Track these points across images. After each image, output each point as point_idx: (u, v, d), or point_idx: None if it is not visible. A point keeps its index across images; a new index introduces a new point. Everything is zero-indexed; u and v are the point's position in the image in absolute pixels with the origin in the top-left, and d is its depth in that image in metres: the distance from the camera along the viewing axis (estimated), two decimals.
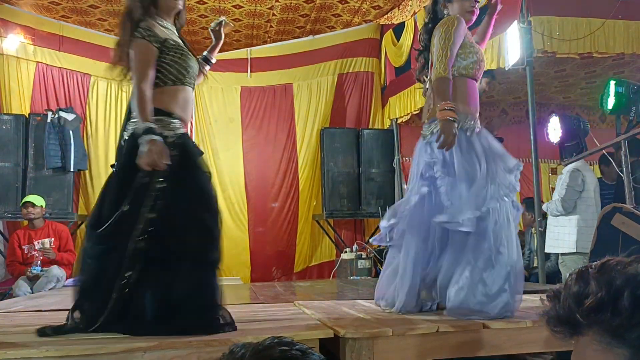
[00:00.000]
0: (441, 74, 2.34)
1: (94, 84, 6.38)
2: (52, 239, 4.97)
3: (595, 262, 0.75)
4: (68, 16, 6.38)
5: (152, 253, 2.04)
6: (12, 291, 4.74)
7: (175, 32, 2.30)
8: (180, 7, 2.29)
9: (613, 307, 0.69)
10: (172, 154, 2.07)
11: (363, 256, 5.79)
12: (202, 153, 2.31)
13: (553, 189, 6.72)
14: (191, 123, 5.84)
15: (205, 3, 6.12)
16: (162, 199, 2.06)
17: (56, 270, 4.75)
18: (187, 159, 2.15)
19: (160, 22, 2.23)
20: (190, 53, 2.27)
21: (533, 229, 5.04)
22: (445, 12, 2.51)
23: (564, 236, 3.98)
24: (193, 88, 2.30)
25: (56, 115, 5.73)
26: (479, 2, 2.52)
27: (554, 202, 4.12)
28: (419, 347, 1.96)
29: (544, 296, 0.79)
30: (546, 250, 4.31)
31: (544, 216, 4.70)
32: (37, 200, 5.00)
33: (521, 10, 4.24)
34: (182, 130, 2.19)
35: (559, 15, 4.32)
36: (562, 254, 4.12)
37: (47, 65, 6.21)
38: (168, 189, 2.07)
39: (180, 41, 2.26)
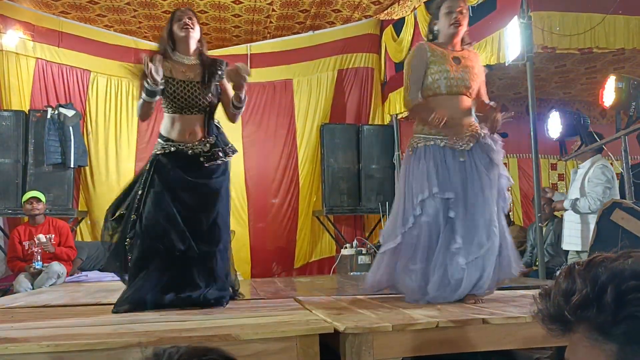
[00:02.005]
0: (407, 105, 2.74)
1: (94, 79, 6.37)
2: (52, 235, 4.98)
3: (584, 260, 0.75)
4: (67, 12, 6.37)
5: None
6: (12, 287, 4.75)
7: (192, 61, 2.80)
8: (192, 36, 2.76)
9: (598, 303, 0.69)
10: (147, 168, 2.74)
11: (363, 252, 5.79)
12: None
13: (553, 184, 6.74)
14: None
15: None
16: (140, 205, 2.69)
17: (57, 267, 4.76)
18: (159, 173, 2.71)
19: (176, 59, 2.77)
20: (186, 83, 2.73)
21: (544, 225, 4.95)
22: (435, 29, 2.76)
23: (588, 233, 3.89)
24: (192, 112, 2.74)
25: (56, 112, 5.73)
26: (462, 13, 2.63)
27: (589, 200, 3.94)
28: (418, 342, 1.97)
29: (536, 294, 0.79)
30: (565, 248, 4.29)
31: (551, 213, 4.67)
32: (41, 196, 5.03)
33: (521, 6, 4.23)
34: (162, 151, 2.74)
35: (559, 11, 4.31)
36: (581, 252, 4.06)
37: (47, 61, 6.20)
38: (144, 196, 2.70)
39: (178, 76, 2.73)
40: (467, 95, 2.64)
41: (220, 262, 2.80)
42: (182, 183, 2.72)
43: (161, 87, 2.64)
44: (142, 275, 2.66)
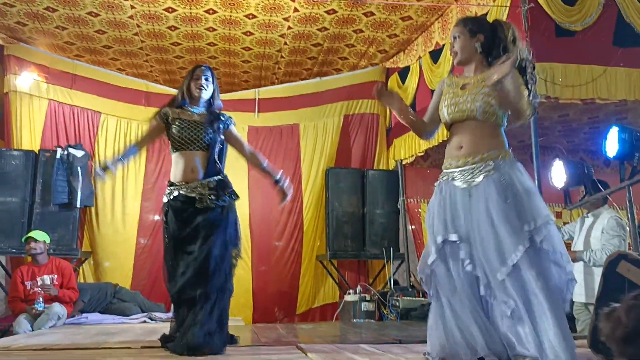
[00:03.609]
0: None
1: (104, 121, 6.48)
2: (55, 276, 4.95)
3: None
4: (82, 55, 6.56)
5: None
6: (12, 328, 4.69)
7: (201, 111, 3.06)
8: (204, 96, 3.04)
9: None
10: (165, 214, 2.97)
11: (367, 298, 5.72)
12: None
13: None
14: None
15: (215, 45, 6.28)
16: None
17: (57, 308, 4.71)
18: (173, 216, 2.91)
19: (187, 109, 3.04)
20: (191, 122, 2.98)
21: None
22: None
23: (594, 284, 3.81)
24: (194, 149, 2.95)
25: (65, 152, 5.80)
26: (455, 39, 2.44)
27: (606, 252, 3.81)
28: None
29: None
30: (574, 299, 4.22)
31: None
32: (39, 235, 4.98)
33: None
34: (173, 195, 2.94)
35: (561, 62, 4.41)
36: (587, 303, 4.00)
37: (59, 102, 6.33)
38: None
39: (184, 117, 3.01)
40: (475, 120, 2.34)
41: (217, 306, 2.77)
42: (182, 225, 2.89)
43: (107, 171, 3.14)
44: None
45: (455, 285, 2.26)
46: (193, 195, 2.88)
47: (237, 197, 3.01)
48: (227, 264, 2.89)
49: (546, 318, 2.09)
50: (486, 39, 2.42)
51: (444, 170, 2.41)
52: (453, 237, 2.27)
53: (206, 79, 3.05)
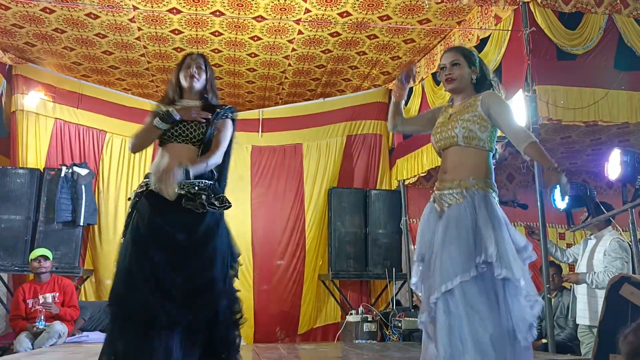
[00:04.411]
0: None
1: (109, 140, 6.54)
2: (57, 294, 4.95)
3: None
4: (88, 75, 6.64)
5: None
6: (12, 346, 4.68)
7: (195, 104, 2.66)
8: (195, 86, 2.66)
9: None
10: (128, 212, 2.53)
11: (369, 319, 5.69)
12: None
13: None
14: None
15: (221, 66, 6.36)
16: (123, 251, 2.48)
17: (58, 326, 4.70)
18: (148, 209, 2.45)
19: (179, 102, 2.66)
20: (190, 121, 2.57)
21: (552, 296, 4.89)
22: None
23: (597, 307, 3.79)
24: (183, 142, 2.55)
25: (70, 170, 5.85)
26: (452, 65, 2.48)
27: (608, 274, 3.84)
28: None
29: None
30: (578, 322, 4.21)
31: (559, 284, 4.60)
32: (49, 254, 5.05)
33: (526, 79, 4.37)
34: (141, 189, 2.52)
35: (563, 85, 4.44)
36: (591, 326, 3.97)
37: (65, 121, 6.40)
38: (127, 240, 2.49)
39: (171, 108, 2.58)
40: (458, 145, 2.38)
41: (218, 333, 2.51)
42: (159, 235, 2.39)
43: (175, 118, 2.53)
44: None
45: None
46: (181, 191, 2.40)
47: (229, 204, 2.51)
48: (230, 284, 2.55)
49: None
50: (479, 72, 2.51)
51: (432, 194, 2.53)
52: (418, 257, 2.41)
53: (198, 67, 2.66)
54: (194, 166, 2.40)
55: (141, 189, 2.49)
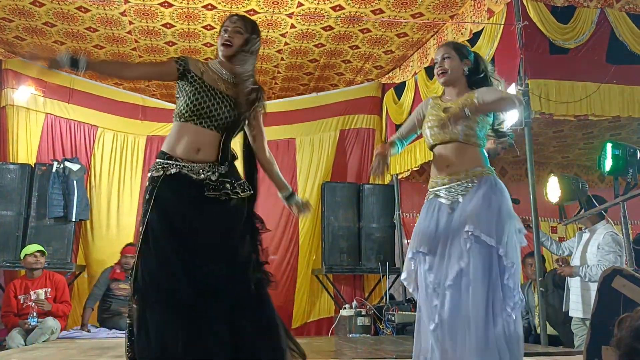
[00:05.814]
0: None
1: (101, 135, 6.49)
2: (49, 289, 4.93)
3: None
4: None
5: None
6: (5, 342, 4.65)
7: (229, 77, 2.33)
8: (228, 54, 2.31)
9: None
10: (146, 199, 2.14)
11: (362, 313, 5.70)
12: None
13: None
14: None
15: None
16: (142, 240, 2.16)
17: (51, 322, 4.68)
18: (154, 201, 2.13)
19: (212, 66, 2.33)
20: (216, 91, 2.24)
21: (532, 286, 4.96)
22: None
23: (590, 300, 3.83)
24: (209, 127, 2.20)
25: (61, 165, 5.81)
26: (444, 59, 2.50)
27: (601, 268, 3.84)
28: None
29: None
30: (571, 314, 4.24)
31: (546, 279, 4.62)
32: (43, 249, 5.05)
33: (519, 73, 4.38)
34: (170, 171, 2.15)
35: (555, 79, 4.46)
36: (584, 319, 4.00)
37: (56, 116, 6.35)
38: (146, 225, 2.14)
39: (208, 81, 2.25)
40: (458, 142, 2.40)
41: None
42: (186, 224, 2.12)
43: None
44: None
45: (422, 295, 2.39)
46: (200, 177, 2.15)
47: (250, 190, 2.35)
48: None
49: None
50: (472, 65, 2.53)
51: (430, 190, 2.52)
52: (423, 250, 2.38)
53: (237, 32, 2.28)
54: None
55: (158, 173, 2.16)
